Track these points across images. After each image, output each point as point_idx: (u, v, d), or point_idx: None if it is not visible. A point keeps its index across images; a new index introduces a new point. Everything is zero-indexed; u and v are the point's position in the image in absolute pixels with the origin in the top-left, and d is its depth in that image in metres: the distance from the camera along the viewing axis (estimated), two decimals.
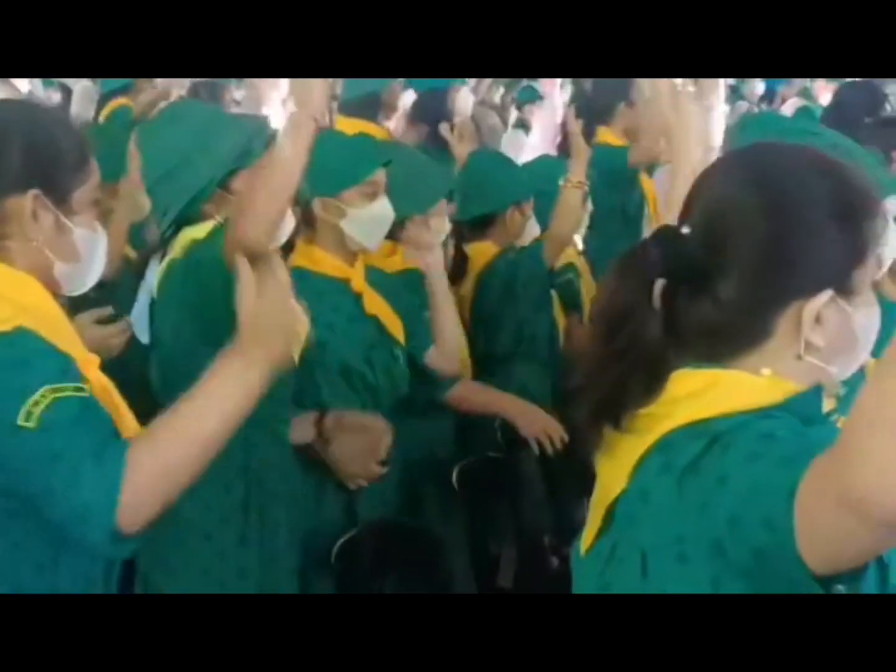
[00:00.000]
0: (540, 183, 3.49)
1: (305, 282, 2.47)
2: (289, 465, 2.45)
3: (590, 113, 4.45)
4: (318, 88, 2.06)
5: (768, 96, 8.95)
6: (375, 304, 2.75)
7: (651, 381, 1.18)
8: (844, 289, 1.18)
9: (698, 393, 1.16)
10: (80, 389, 1.51)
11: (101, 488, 1.45)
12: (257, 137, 2.34)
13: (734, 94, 8.55)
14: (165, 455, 1.51)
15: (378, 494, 2.69)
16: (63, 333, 1.61)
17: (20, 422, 1.45)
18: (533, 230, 3.44)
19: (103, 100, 5.03)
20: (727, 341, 1.19)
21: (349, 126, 4.14)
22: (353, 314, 2.68)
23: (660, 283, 1.18)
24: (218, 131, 2.37)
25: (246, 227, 2.04)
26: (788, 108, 6.18)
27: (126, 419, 1.65)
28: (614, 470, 1.21)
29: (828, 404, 1.22)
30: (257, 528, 2.37)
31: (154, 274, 2.45)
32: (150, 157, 2.43)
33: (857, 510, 0.92)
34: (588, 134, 4.34)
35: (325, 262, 2.68)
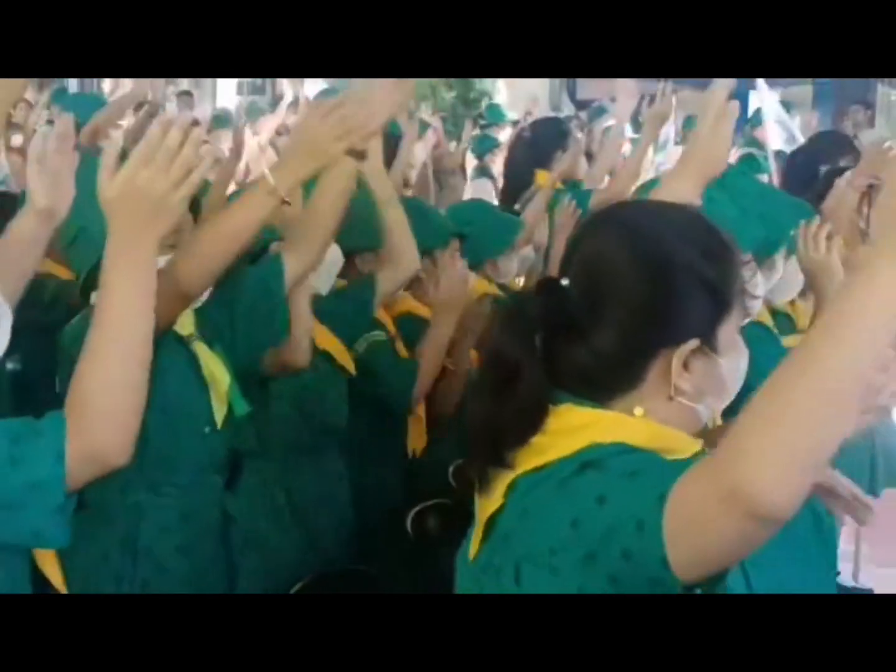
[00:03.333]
0: (463, 227, 3.45)
1: None
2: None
3: (528, 157, 4.58)
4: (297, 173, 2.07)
5: None
6: (325, 340, 2.78)
7: (530, 427, 1.27)
8: (710, 339, 1.28)
9: (578, 429, 1.25)
10: None
11: (48, 458, 1.43)
12: None
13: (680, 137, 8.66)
14: (96, 394, 1.46)
15: (331, 542, 2.74)
16: None
17: None
18: None
19: None
20: (602, 386, 1.29)
21: None
22: None
23: (539, 335, 1.28)
24: None
25: (189, 270, 2.05)
26: (736, 155, 6.39)
27: None
28: (493, 492, 1.30)
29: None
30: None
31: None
32: (64, 230, 2.27)
33: (742, 506, 1.00)
34: (528, 174, 4.47)
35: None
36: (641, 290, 1.26)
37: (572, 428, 1.24)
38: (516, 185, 4.60)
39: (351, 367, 2.83)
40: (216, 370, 2.29)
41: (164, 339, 2.21)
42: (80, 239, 2.27)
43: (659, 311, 1.27)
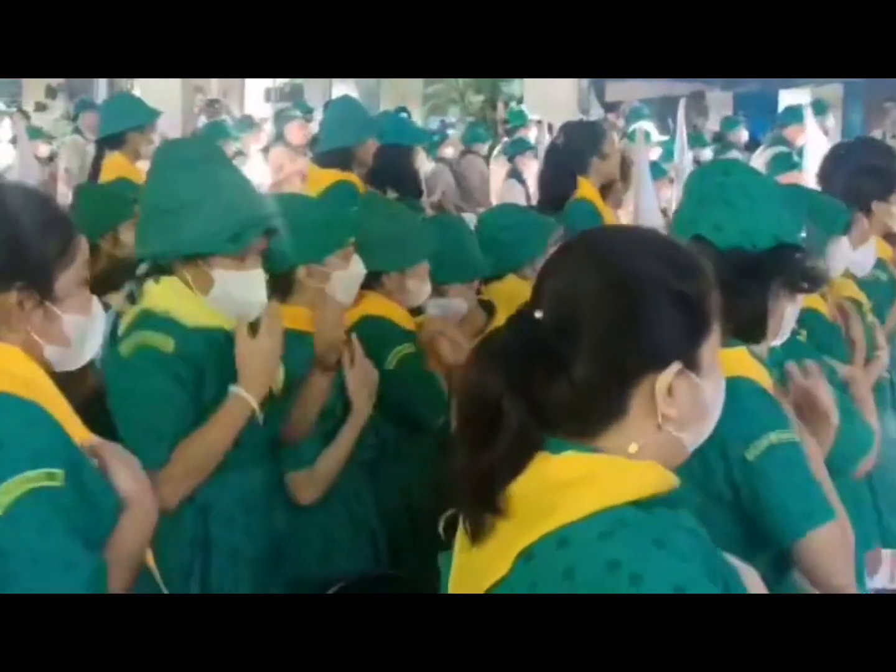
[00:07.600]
0: (499, 232, 3.40)
1: (301, 341, 2.55)
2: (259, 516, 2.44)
3: (564, 163, 4.46)
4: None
5: (751, 145, 9.02)
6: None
7: (517, 463, 1.22)
8: (692, 361, 1.23)
9: (581, 481, 1.19)
10: (52, 477, 1.48)
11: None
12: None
13: (718, 141, 8.64)
14: None
15: (362, 547, 2.70)
16: (52, 400, 1.59)
17: None
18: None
19: (100, 148, 5.02)
20: (587, 420, 1.23)
21: (323, 177, 4.20)
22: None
23: (520, 372, 1.22)
24: (230, 189, 2.28)
25: (169, 487, 2.15)
26: (767, 154, 6.47)
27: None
28: (495, 551, 1.22)
29: None
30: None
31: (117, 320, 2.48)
32: (153, 192, 2.31)
33: None
34: (566, 181, 4.35)
35: (307, 320, 2.66)
36: (615, 313, 1.21)
37: (577, 479, 1.19)
38: (557, 193, 4.48)
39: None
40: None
41: (205, 342, 2.29)
42: (165, 220, 2.25)
43: (635, 333, 1.21)
